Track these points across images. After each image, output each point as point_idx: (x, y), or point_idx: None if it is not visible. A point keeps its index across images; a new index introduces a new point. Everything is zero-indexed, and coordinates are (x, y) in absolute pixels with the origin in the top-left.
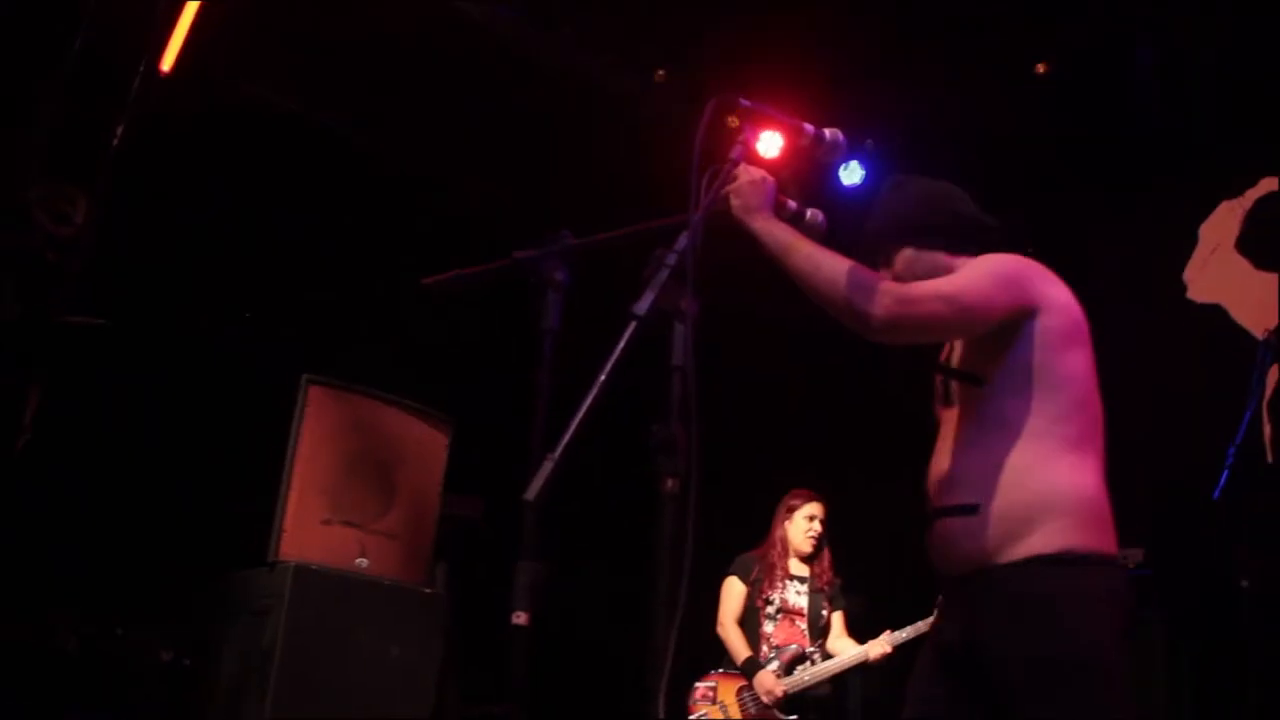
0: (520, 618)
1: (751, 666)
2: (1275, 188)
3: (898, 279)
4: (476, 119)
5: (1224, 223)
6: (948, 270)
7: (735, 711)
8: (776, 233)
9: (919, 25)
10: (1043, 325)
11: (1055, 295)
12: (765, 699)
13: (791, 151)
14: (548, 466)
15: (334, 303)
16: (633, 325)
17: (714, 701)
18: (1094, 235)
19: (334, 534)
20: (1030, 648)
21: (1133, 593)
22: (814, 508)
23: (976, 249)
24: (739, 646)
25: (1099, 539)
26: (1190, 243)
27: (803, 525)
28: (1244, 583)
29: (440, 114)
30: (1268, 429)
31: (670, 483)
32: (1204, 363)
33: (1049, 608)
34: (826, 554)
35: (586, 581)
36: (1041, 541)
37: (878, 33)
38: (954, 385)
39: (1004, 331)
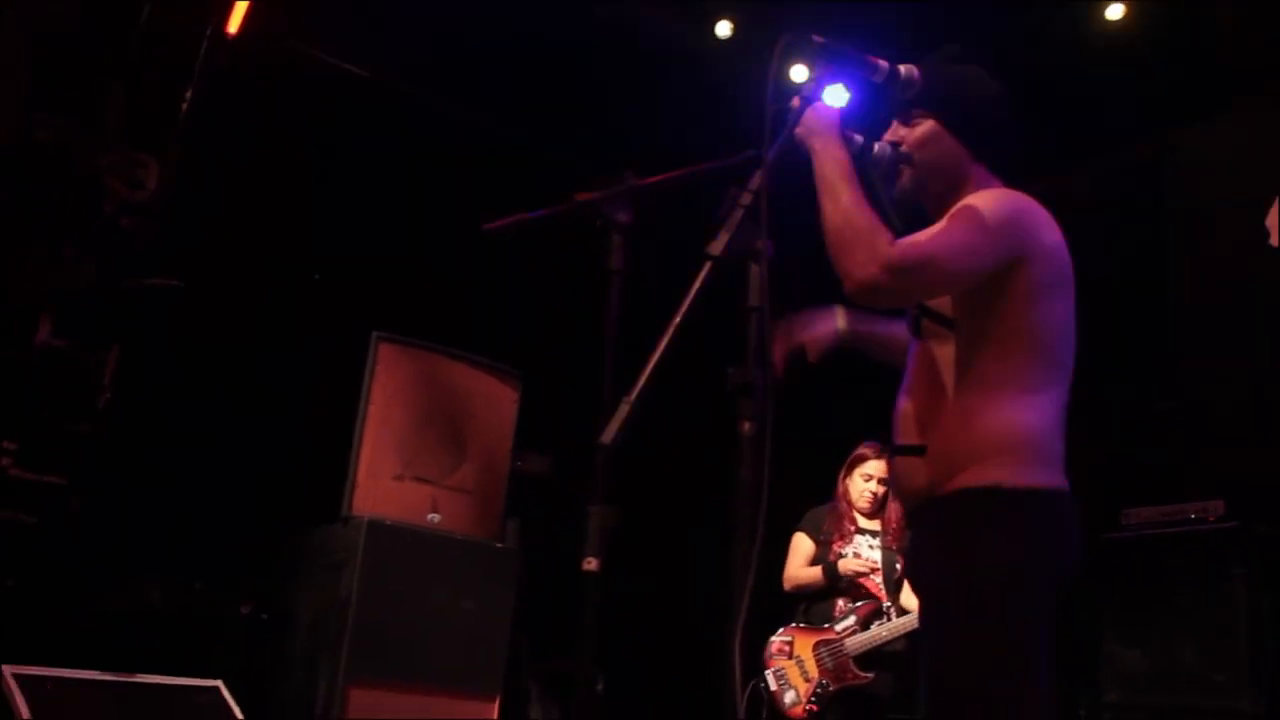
0: (591, 563)
1: (829, 567)
2: None
3: (901, 141)
4: (543, 74)
5: None
6: (958, 171)
7: (812, 666)
8: (829, 157)
9: None
10: (1026, 275)
11: (1044, 242)
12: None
13: (866, 90)
14: (624, 409)
15: (404, 258)
16: (708, 266)
17: (790, 656)
18: (1174, 185)
19: (406, 489)
20: (949, 572)
21: (1076, 530)
22: (874, 466)
23: (996, 161)
24: (811, 572)
25: (1033, 474)
26: (1274, 188)
27: (860, 483)
28: None
29: (506, 70)
30: None
31: (748, 426)
32: None
33: (971, 535)
34: (894, 509)
35: (661, 528)
36: (974, 476)
37: None
38: (925, 321)
39: (987, 280)
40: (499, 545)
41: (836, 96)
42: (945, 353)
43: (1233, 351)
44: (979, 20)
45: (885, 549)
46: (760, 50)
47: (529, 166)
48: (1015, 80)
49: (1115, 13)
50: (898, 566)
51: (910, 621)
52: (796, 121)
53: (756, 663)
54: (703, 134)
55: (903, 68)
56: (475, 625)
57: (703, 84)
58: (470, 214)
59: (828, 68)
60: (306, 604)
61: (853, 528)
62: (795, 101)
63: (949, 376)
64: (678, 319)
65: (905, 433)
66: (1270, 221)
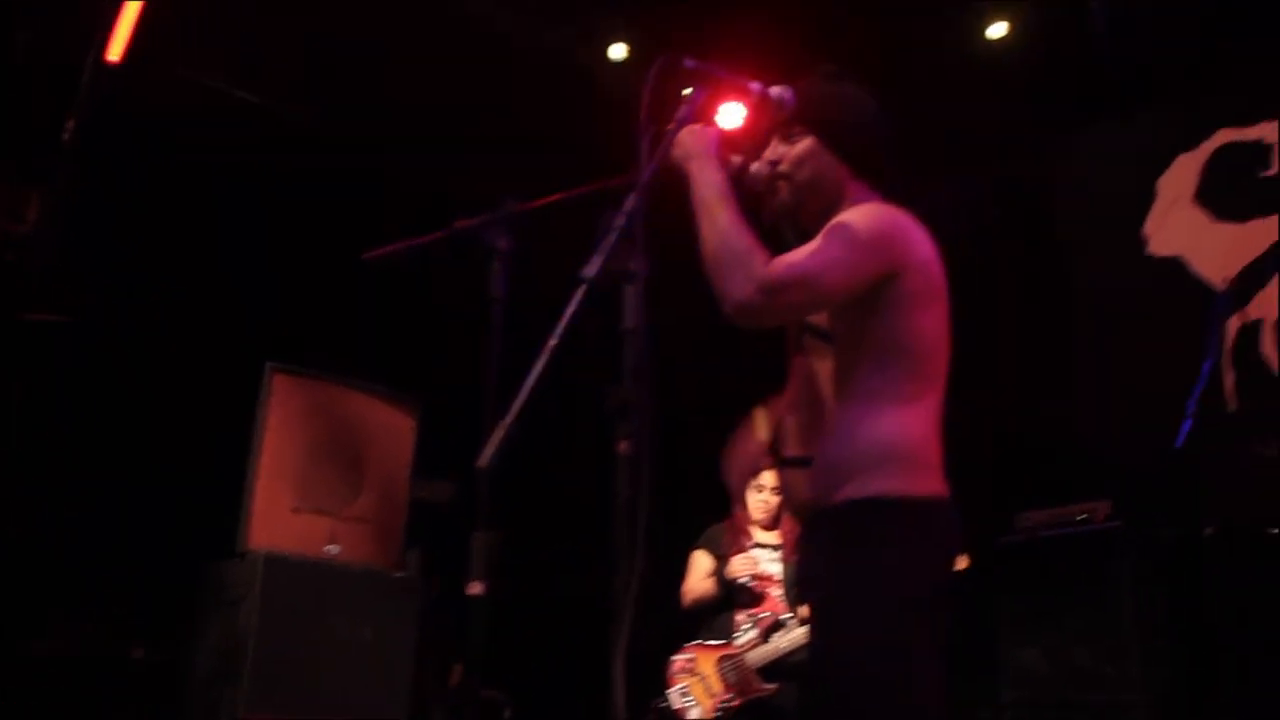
0: (476, 588)
1: (720, 574)
2: (1230, 139)
3: (780, 159)
4: (427, 91)
5: (1182, 176)
6: (836, 188)
7: (716, 681)
8: (706, 180)
9: None
10: (900, 288)
11: (917, 255)
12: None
13: (746, 115)
14: (500, 434)
15: (293, 287)
16: (582, 289)
17: (693, 673)
18: (1055, 192)
19: (304, 521)
20: (837, 582)
21: (954, 534)
22: (768, 477)
23: (875, 180)
24: (705, 584)
25: (917, 483)
26: (1149, 197)
27: (754, 495)
28: (1207, 530)
29: (390, 88)
30: (1229, 378)
31: (625, 445)
32: (1166, 316)
33: (858, 546)
34: (790, 520)
35: (549, 549)
36: (859, 487)
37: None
38: (805, 335)
39: (863, 294)
40: (399, 574)
41: (728, 116)
42: (825, 366)
43: (1118, 356)
44: (866, 37)
45: (784, 561)
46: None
47: (420, 191)
48: (902, 96)
49: (998, 30)
50: None
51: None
52: (672, 144)
53: (662, 683)
54: (596, 155)
55: (774, 89)
56: (377, 655)
57: (595, 105)
58: (361, 240)
59: (701, 91)
60: (204, 642)
61: (749, 541)
62: (671, 124)
63: (831, 388)
64: (552, 343)
65: (791, 445)
66: (1148, 229)
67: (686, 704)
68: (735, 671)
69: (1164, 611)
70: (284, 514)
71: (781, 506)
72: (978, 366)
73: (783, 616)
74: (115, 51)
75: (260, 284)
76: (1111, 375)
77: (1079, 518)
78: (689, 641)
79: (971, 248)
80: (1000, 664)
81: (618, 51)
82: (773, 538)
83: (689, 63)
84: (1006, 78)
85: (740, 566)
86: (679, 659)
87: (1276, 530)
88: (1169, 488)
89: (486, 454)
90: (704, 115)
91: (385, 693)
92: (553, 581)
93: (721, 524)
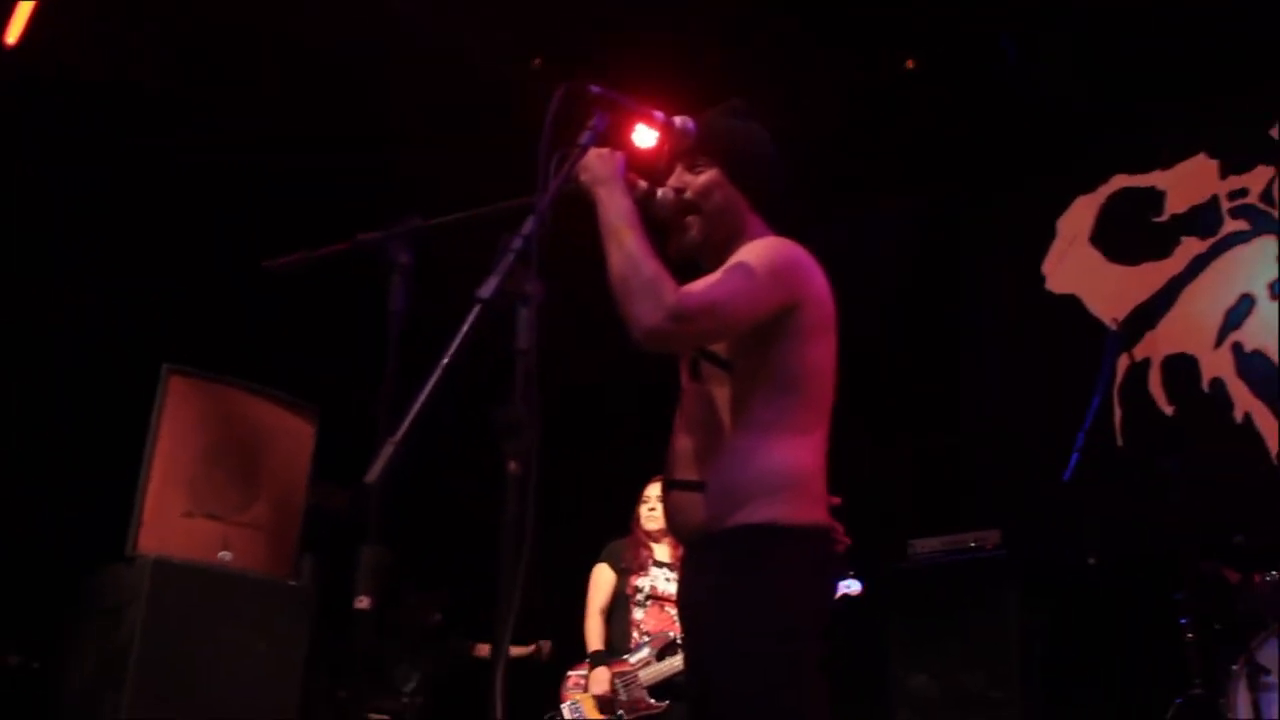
0: (363, 602)
1: (597, 659)
2: (1126, 184)
3: (685, 187)
4: (348, 99)
5: (1080, 217)
6: (738, 222)
7: (607, 698)
8: (613, 205)
9: (789, 21)
10: (798, 320)
11: (815, 288)
12: (593, 689)
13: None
14: (389, 450)
15: (195, 289)
16: (476, 309)
17: (586, 689)
18: (958, 227)
19: (196, 527)
20: (727, 606)
21: (837, 561)
22: (654, 489)
23: (770, 212)
24: (592, 638)
25: (806, 511)
26: (1049, 236)
27: (643, 508)
28: (1091, 560)
29: (307, 89)
30: (1119, 414)
31: (513, 465)
32: (1062, 351)
33: (749, 571)
34: None
35: (439, 564)
36: (750, 513)
37: (752, 27)
38: (701, 361)
39: (763, 324)
40: (292, 583)
41: (638, 139)
42: (722, 393)
43: (1011, 388)
44: (784, 70)
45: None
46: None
47: (328, 197)
48: (815, 128)
49: (909, 65)
50: None
51: None
52: (576, 167)
53: (556, 698)
54: (511, 171)
55: (678, 119)
56: (268, 665)
57: (513, 121)
58: (269, 244)
59: (605, 117)
60: (86, 650)
61: (650, 559)
62: (574, 148)
63: (725, 416)
64: (445, 360)
65: (682, 469)
66: (1046, 267)
67: (577, 719)
68: (626, 689)
69: (1047, 637)
70: (175, 519)
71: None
72: (876, 396)
73: (676, 636)
74: (13, 34)
75: (160, 285)
76: (1007, 408)
77: (970, 545)
78: (584, 657)
79: (872, 280)
80: (892, 688)
81: (534, 67)
82: (669, 554)
83: (594, 88)
84: (914, 112)
85: (597, 686)
86: (573, 674)
87: (1157, 560)
88: (1055, 518)
89: (374, 470)
90: (608, 141)
91: (275, 703)
92: (442, 595)
93: (624, 539)
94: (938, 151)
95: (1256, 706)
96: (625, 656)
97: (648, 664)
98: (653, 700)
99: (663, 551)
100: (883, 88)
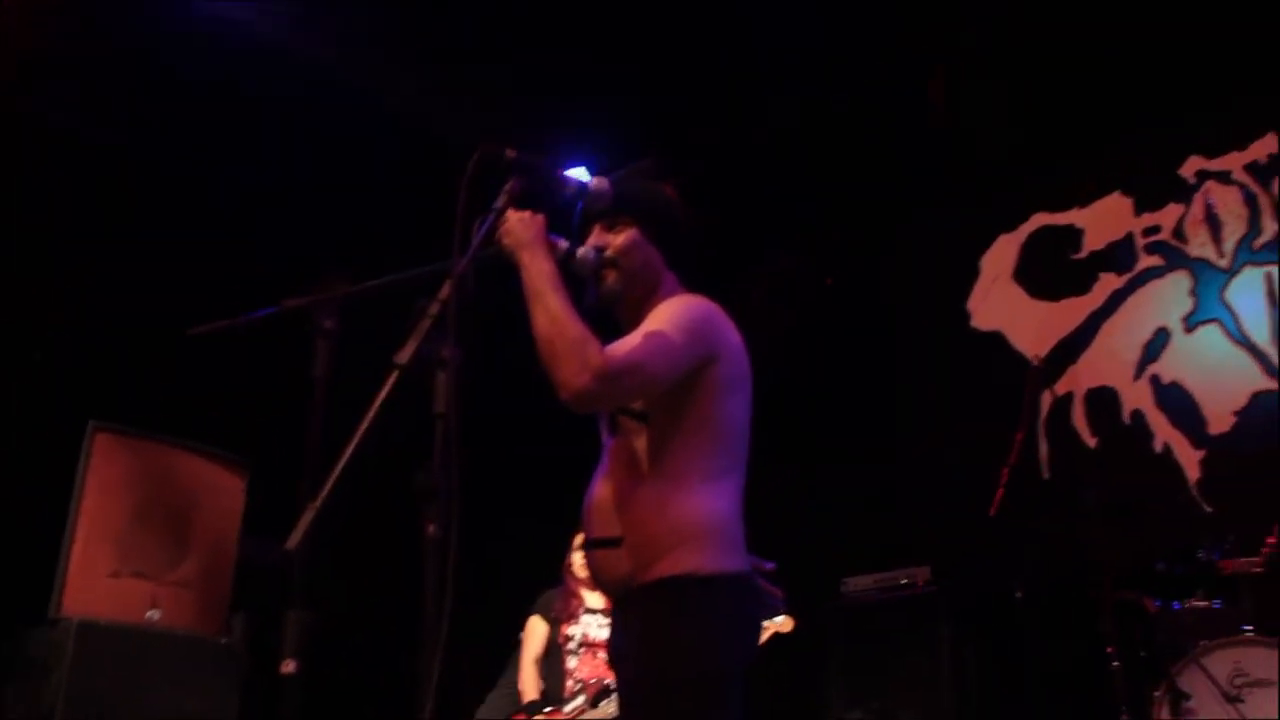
0: (289, 666)
1: (532, 709)
2: (1046, 222)
3: (605, 245)
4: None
5: (1002, 254)
6: (655, 280)
7: None
8: (537, 270)
9: (714, 59)
10: (712, 373)
11: (729, 343)
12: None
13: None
14: (309, 514)
15: (122, 345)
16: (394, 375)
17: None
18: (886, 267)
19: (123, 586)
20: (652, 658)
21: (760, 607)
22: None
23: (685, 270)
24: (527, 688)
25: (725, 560)
26: (974, 274)
27: (576, 556)
28: (1018, 594)
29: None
30: (1044, 449)
31: (432, 528)
32: (987, 387)
33: (671, 622)
34: None
35: (367, 627)
36: (670, 564)
37: (679, 61)
38: (619, 417)
39: (680, 379)
40: (223, 641)
41: (580, 176)
42: (640, 445)
43: (939, 425)
44: (704, 111)
45: None
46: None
47: (259, 257)
48: (744, 173)
49: (837, 107)
50: None
51: None
52: (499, 231)
53: None
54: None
55: (593, 181)
56: None
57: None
58: (196, 303)
59: (521, 181)
60: (11, 713)
61: (581, 607)
62: (490, 213)
63: (643, 468)
64: (364, 426)
65: (601, 524)
66: (971, 304)
67: None
68: None
69: (979, 670)
70: (101, 578)
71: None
72: (807, 437)
73: (610, 683)
74: None
75: (87, 341)
76: (936, 444)
77: (901, 582)
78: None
79: (798, 322)
80: None
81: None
82: (601, 602)
83: (510, 152)
84: (841, 153)
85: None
86: None
87: (1081, 590)
88: (983, 553)
89: (295, 536)
90: (526, 204)
91: None
92: (366, 660)
93: (556, 588)
94: (864, 193)
95: None
96: (559, 705)
97: (582, 712)
98: None
99: (594, 599)
100: (808, 129)
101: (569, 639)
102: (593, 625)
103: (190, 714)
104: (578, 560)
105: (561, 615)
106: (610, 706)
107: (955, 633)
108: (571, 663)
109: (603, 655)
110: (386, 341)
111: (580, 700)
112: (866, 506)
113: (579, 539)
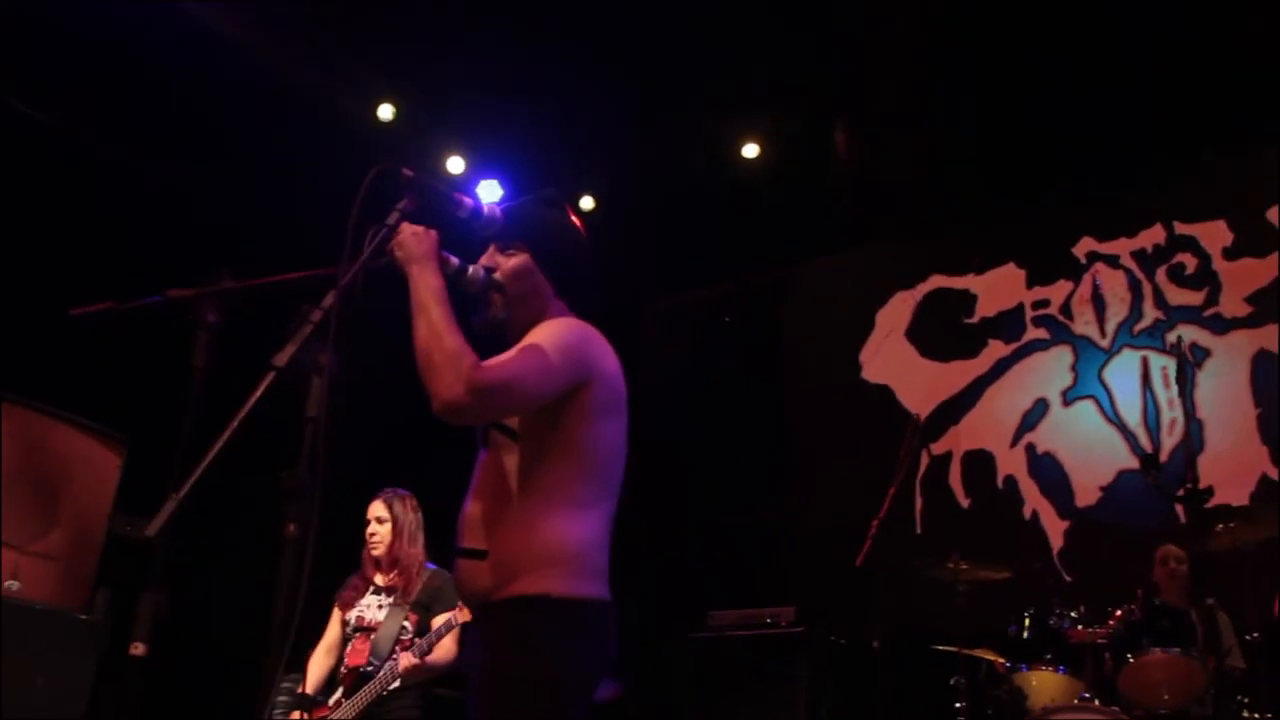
0: (139, 648)
1: (295, 704)
2: (942, 284)
3: (496, 268)
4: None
5: (898, 311)
6: (541, 306)
7: None
8: (424, 284)
9: (633, 96)
10: (586, 396)
11: (605, 369)
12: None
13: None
14: (171, 504)
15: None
16: (270, 376)
17: None
18: (784, 312)
19: None
20: (498, 673)
21: (609, 634)
22: (375, 506)
23: (574, 299)
24: (308, 680)
25: (581, 585)
26: (869, 326)
27: (367, 532)
28: (875, 643)
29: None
30: (919, 503)
31: (291, 528)
32: (871, 439)
33: (520, 640)
34: (411, 556)
35: (222, 618)
36: (527, 584)
37: (601, 96)
38: (492, 431)
39: (553, 400)
40: (83, 616)
41: (490, 192)
42: (510, 462)
43: (823, 470)
44: (625, 147)
45: (396, 606)
46: (424, 134)
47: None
48: (657, 204)
49: (751, 151)
50: (406, 625)
51: (376, 686)
52: (391, 244)
53: None
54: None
55: (487, 206)
56: (47, 701)
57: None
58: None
59: (414, 200)
60: None
61: (367, 588)
62: (382, 228)
63: (512, 485)
64: (234, 423)
65: (470, 536)
66: (863, 356)
67: None
68: None
69: (830, 714)
70: None
71: (394, 539)
72: (687, 473)
73: (364, 669)
74: None
75: None
76: (814, 490)
77: (765, 620)
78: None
79: (687, 360)
80: None
81: (385, 112)
82: (384, 580)
83: (406, 171)
84: (747, 197)
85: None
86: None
87: (938, 645)
88: (846, 600)
89: (155, 524)
90: (419, 220)
91: None
92: (217, 650)
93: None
94: (767, 238)
95: None
96: (327, 697)
97: (340, 704)
98: None
99: (380, 578)
100: (716, 175)
101: (346, 625)
102: (371, 607)
103: (40, 687)
104: (368, 536)
105: (345, 593)
106: (359, 696)
107: (813, 675)
108: (347, 649)
109: (374, 638)
110: (272, 341)
111: (339, 693)
112: (741, 543)
113: (370, 510)
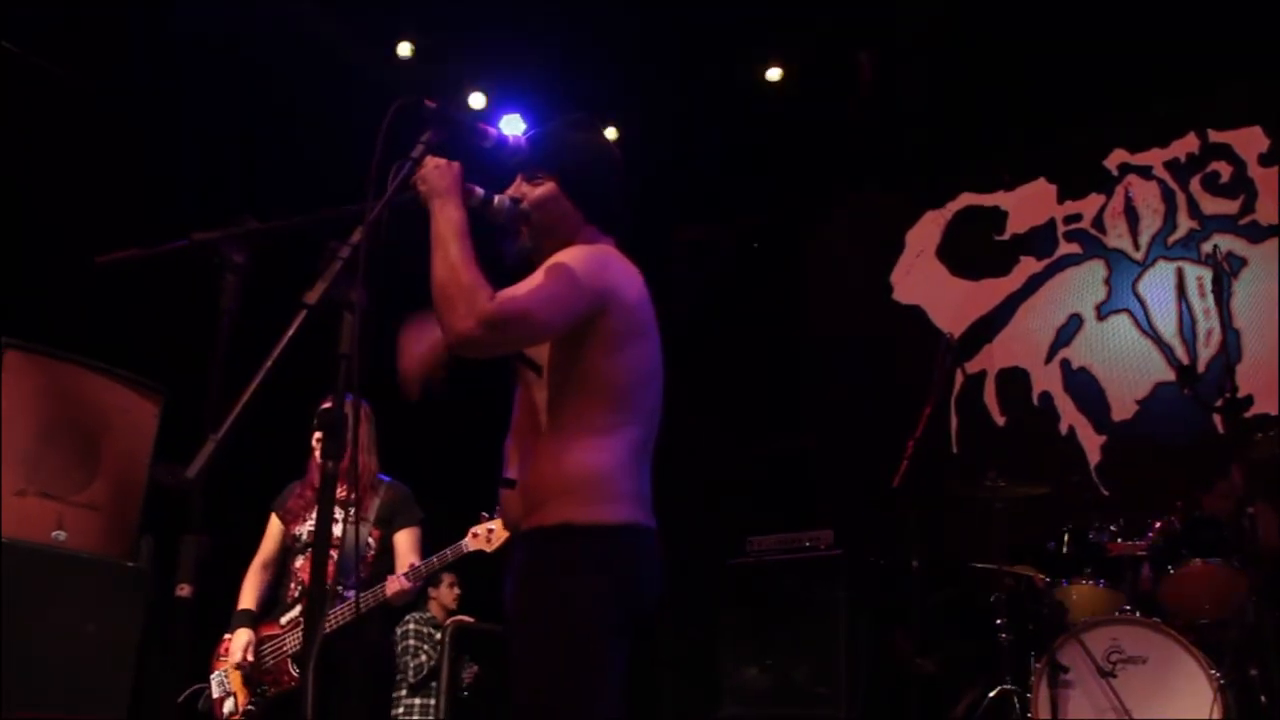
0: (185, 590)
1: (238, 620)
2: (972, 202)
3: (523, 197)
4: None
5: (928, 230)
6: (569, 234)
7: (253, 667)
8: (444, 218)
9: (655, 24)
10: (605, 324)
11: (626, 294)
12: (232, 657)
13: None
14: (210, 445)
15: (30, 271)
16: (302, 314)
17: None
18: (812, 237)
19: (29, 506)
20: (523, 601)
21: (640, 561)
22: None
23: (606, 224)
24: (244, 595)
25: (604, 511)
26: (898, 248)
27: (315, 439)
28: (915, 563)
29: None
30: (954, 423)
31: (330, 465)
32: (904, 360)
33: (541, 567)
34: (366, 467)
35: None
36: (549, 513)
37: (622, 24)
38: (519, 367)
39: (574, 329)
40: (129, 564)
41: (513, 127)
42: (540, 397)
43: (854, 394)
44: (652, 77)
45: (354, 521)
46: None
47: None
48: (680, 136)
49: (774, 74)
50: (370, 542)
51: (368, 598)
52: (415, 178)
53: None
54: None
55: (511, 136)
56: (98, 649)
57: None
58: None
59: (438, 133)
60: None
61: (312, 495)
62: (407, 161)
63: (541, 419)
64: (269, 363)
65: (510, 467)
66: (894, 277)
67: (223, 693)
68: (273, 656)
69: (870, 635)
70: (8, 497)
71: (353, 455)
72: (721, 401)
73: (338, 588)
74: None
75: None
76: (849, 413)
77: (804, 545)
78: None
79: (718, 288)
80: (722, 679)
81: (404, 49)
82: (340, 493)
83: (429, 103)
84: (774, 124)
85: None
86: (227, 638)
87: (976, 564)
88: (884, 522)
89: (195, 465)
90: (444, 153)
91: (105, 687)
92: None
93: (298, 481)
94: (795, 164)
95: (1054, 703)
96: (278, 616)
97: (297, 624)
98: (296, 670)
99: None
100: (740, 100)
101: (295, 539)
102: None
103: (91, 635)
104: (314, 444)
105: (290, 502)
106: (335, 619)
107: (852, 598)
108: (298, 562)
109: (337, 556)
110: (299, 281)
111: (296, 611)
112: (782, 470)
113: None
